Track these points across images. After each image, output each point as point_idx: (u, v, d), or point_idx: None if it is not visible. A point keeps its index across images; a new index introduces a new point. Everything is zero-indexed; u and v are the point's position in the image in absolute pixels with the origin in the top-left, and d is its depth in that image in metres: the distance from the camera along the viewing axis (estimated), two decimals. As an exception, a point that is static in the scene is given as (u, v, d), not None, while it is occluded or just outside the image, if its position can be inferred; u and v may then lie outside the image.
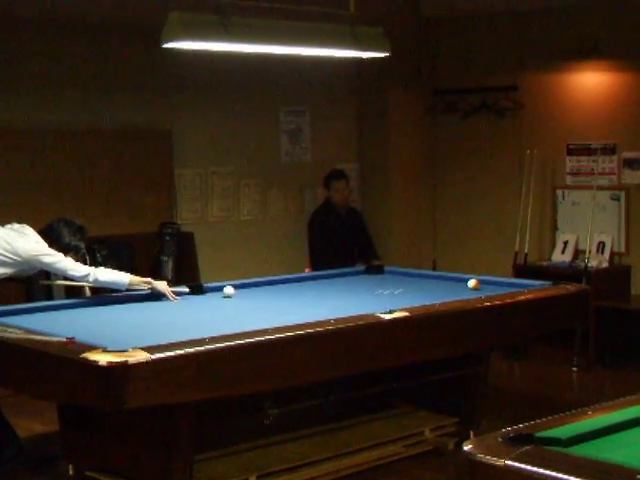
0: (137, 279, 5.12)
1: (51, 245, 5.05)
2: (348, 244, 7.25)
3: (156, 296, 5.12)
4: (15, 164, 6.74)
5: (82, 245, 5.22)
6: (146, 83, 7.30)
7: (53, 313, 4.78)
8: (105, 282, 5.06)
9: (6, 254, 4.95)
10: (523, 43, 8.00)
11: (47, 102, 6.84)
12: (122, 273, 5.10)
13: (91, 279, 5.00)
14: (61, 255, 5.00)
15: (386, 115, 8.37)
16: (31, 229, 5.11)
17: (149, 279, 5.19)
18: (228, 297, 5.19)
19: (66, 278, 5.15)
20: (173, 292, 5.16)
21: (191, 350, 3.78)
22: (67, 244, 5.10)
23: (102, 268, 5.17)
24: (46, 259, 4.97)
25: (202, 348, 3.82)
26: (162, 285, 5.17)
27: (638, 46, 7.40)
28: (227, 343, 3.90)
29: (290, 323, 4.22)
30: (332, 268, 6.54)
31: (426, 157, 8.58)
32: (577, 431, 2.57)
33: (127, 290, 5.10)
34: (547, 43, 7.86)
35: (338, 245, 7.20)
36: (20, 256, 4.96)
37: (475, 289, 5.25)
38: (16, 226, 5.12)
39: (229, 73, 7.48)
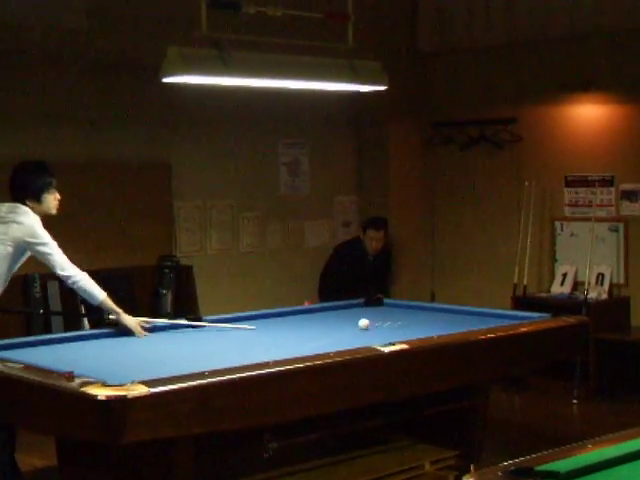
0: (111, 303, 4.98)
1: (27, 197, 4.93)
2: (365, 284, 7.26)
3: (154, 329, 5.13)
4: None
5: (51, 178, 5.05)
6: (146, 116, 7.33)
7: (52, 347, 4.78)
8: (83, 290, 4.93)
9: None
10: (521, 75, 8.06)
11: (45, 135, 6.86)
12: (100, 290, 4.97)
13: (72, 282, 4.91)
14: (56, 247, 4.89)
15: (385, 147, 8.42)
16: (26, 209, 4.95)
17: (120, 310, 5.01)
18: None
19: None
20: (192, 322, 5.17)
21: (191, 383, 3.78)
22: (40, 187, 4.97)
23: (87, 276, 4.98)
24: (41, 248, 4.88)
25: (202, 381, 3.82)
26: (130, 320, 4.99)
27: (636, 79, 7.46)
28: (227, 376, 3.90)
29: (290, 356, 4.22)
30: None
31: (425, 189, 8.61)
32: (577, 465, 2.57)
33: (97, 308, 5.01)
34: (545, 76, 7.91)
35: (354, 284, 7.21)
36: (13, 241, 4.88)
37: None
38: (6, 206, 4.98)
39: (228, 106, 7.52)
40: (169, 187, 7.51)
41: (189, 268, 7.44)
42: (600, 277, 7.62)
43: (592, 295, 7.42)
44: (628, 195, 7.59)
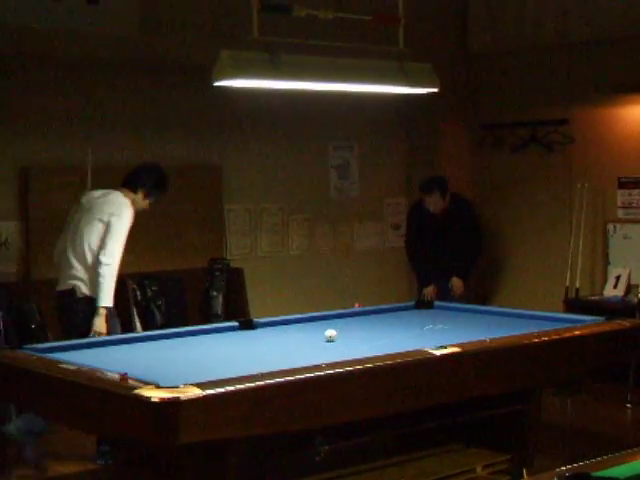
0: (105, 314, 5.48)
1: (136, 190, 5.72)
2: (442, 244, 7.45)
3: (207, 331, 5.19)
4: (64, 201, 6.82)
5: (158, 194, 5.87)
6: (197, 120, 7.40)
7: (105, 348, 4.83)
8: (103, 286, 5.44)
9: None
10: (573, 76, 7.98)
11: (99, 139, 6.94)
12: (112, 298, 5.49)
13: (105, 271, 5.44)
14: (121, 244, 5.52)
15: (435, 149, 8.40)
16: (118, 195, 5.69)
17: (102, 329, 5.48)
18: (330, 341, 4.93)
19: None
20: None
21: (243, 386, 3.80)
22: (150, 189, 5.76)
23: (113, 277, 5.48)
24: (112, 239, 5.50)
25: (254, 384, 3.84)
26: (101, 323, 5.46)
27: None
28: (280, 379, 3.92)
29: (341, 359, 4.22)
30: (423, 262, 7.28)
31: (475, 191, 8.57)
32: (635, 471, 2.54)
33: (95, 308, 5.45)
34: (598, 76, 7.82)
35: (431, 242, 7.46)
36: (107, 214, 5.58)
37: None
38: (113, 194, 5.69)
39: (278, 109, 7.55)
40: (219, 190, 7.56)
41: (239, 270, 7.48)
42: (654, 280, 7.54)
43: (646, 298, 7.34)
44: (683, 197, 7.51)
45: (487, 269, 8.62)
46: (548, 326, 5.23)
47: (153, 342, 5.01)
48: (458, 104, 8.42)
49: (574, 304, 7.59)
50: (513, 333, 4.98)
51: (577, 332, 5.12)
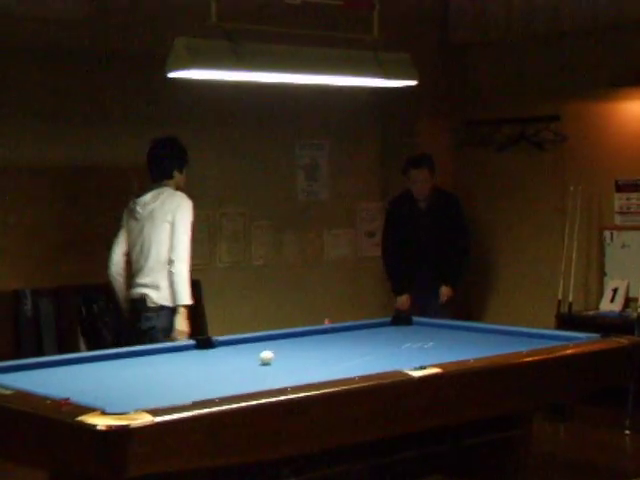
0: (185, 313, 5.98)
1: (172, 174, 6.21)
2: (428, 243, 7.45)
3: (160, 350, 5.15)
4: (10, 204, 6.80)
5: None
6: (148, 115, 7.36)
7: (46, 370, 4.79)
8: (180, 284, 5.92)
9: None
10: (566, 68, 8.05)
11: (36, 135, 6.90)
12: (190, 296, 5.98)
13: (178, 269, 5.93)
14: (187, 239, 6.00)
15: (414, 149, 8.41)
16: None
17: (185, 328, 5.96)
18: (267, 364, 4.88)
19: None
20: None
21: (200, 412, 3.78)
22: (181, 165, 6.30)
23: (187, 273, 5.98)
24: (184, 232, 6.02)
25: (212, 410, 3.81)
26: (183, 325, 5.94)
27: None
28: (240, 404, 3.90)
29: (310, 381, 4.21)
30: (399, 270, 7.28)
31: (459, 195, 8.58)
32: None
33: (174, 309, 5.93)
34: (593, 69, 7.89)
35: (414, 242, 7.44)
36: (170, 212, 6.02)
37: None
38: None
39: (239, 103, 7.54)
40: (174, 193, 7.51)
41: (196, 283, 7.44)
42: (655, 293, 7.60)
43: (646, 313, 7.39)
44: (686, 201, 7.58)
45: (471, 281, 8.65)
46: (538, 344, 5.25)
47: (99, 363, 4.97)
48: (439, 99, 8.46)
49: (567, 320, 7.63)
50: (500, 352, 5.00)
51: (570, 351, 5.15)
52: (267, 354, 4.82)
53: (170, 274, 5.95)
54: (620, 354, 5.30)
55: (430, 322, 6.24)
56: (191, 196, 7.54)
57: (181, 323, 5.93)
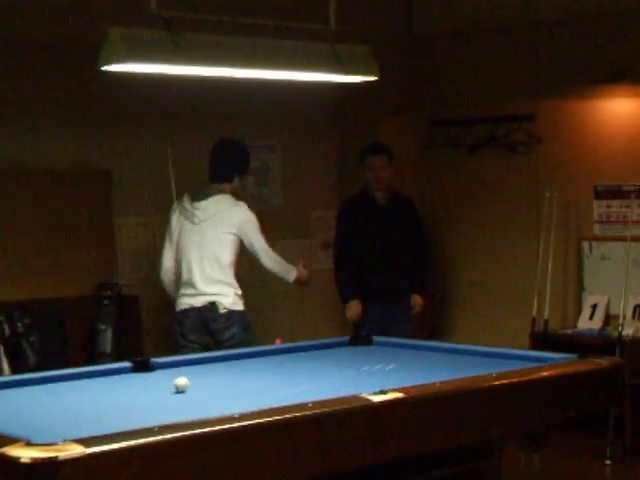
0: (302, 270, 7.01)
1: (232, 180, 6.86)
2: (388, 245, 7.49)
3: (93, 374, 5.14)
4: None
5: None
6: (80, 114, 7.34)
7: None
8: (281, 266, 6.93)
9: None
10: (541, 64, 8.11)
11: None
12: (289, 265, 6.98)
13: (273, 261, 6.86)
14: (264, 241, 6.83)
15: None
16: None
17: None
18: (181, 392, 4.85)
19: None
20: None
21: (136, 442, 3.76)
22: (242, 172, 7.03)
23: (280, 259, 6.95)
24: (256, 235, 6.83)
25: (150, 439, 3.80)
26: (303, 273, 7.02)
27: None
28: (180, 433, 3.89)
29: (259, 407, 4.21)
30: (349, 273, 7.49)
31: (423, 202, 8.64)
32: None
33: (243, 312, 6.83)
34: (570, 64, 7.96)
35: (372, 246, 7.53)
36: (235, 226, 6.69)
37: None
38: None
39: (181, 101, 7.53)
40: (109, 200, 7.50)
41: (134, 299, 7.43)
42: (637, 309, 7.66)
43: (628, 331, 7.44)
44: (671, 209, 7.65)
45: (437, 296, 8.69)
46: (511, 366, 5.27)
47: (24, 388, 4.94)
48: (403, 96, 8.49)
49: (542, 339, 7.68)
50: (468, 375, 5.01)
51: (545, 373, 5.17)
52: (181, 380, 4.77)
53: (270, 270, 6.92)
54: (599, 376, 5.33)
55: (392, 342, 6.25)
56: (128, 204, 7.61)
57: (305, 275, 7.05)
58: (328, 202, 8.63)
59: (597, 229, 7.99)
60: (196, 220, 6.73)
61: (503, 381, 4.96)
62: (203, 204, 6.73)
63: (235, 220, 6.71)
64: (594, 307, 7.88)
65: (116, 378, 5.18)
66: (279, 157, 8.42)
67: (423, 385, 4.75)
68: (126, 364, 5.35)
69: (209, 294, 6.72)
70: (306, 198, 8.53)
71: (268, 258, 6.85)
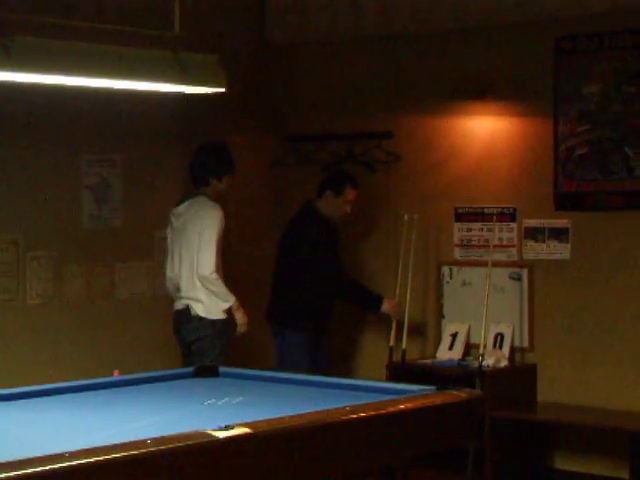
0: (237, 306, 7.29)
1: (208, 181, 7.43)
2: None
3: None
4: None
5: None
6: None
7: None
8: (216, 292, 7.19)
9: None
10: (400, 77, 8.20)
11: None
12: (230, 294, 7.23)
13: (209, 281, 7.13)
14: (213, 249, 7.13)
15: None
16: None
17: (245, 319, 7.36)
18: None
19: None
20: None
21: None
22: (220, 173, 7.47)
23: (218, 280, 7.17)
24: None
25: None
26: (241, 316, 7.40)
27: (543, 84, 7.65)
28: (5, 474, 3.81)
29: (94, 444, 4.15)
30: (364, 286, 7.96)
31: (272, 222, 8.63)
32: None
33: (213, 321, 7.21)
34: (430, 78, 8.07)
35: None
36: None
37: None
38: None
39: (10, 110, 7.40)
40: None
41: None
42: (499, 338, 7.77)
43: (489, 362, 7.55)
44: (533, 233, 7.77)
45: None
46: (365, 398, 5.30)
47: None
48: (252, 110, 8.50)
49: (400, 370, 7.75)
50: (320, 408, 5.02)
51: (401, 406, 5.21)
52: None
53: (202, 288, 7.19)
54: (458, 409, 5.40)
55: (239, 373, 6.24)
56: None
57: (239, 317, 7.28)
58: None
59: (457, 253, 8.09)
60: (175, 225, 7.45)
61: (356, 415, 4.98)
62: (177, 210, 7.45)
63: (205, 221, 7.20)
64: (454, 336, 7.96)
65: None
66: (120, 172, 8.32)
67: (272, 419, 4.75)
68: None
69: (185, 298, 7.37)
70: (150, 217, 8.44)
71: (207, 271, 7.20)
